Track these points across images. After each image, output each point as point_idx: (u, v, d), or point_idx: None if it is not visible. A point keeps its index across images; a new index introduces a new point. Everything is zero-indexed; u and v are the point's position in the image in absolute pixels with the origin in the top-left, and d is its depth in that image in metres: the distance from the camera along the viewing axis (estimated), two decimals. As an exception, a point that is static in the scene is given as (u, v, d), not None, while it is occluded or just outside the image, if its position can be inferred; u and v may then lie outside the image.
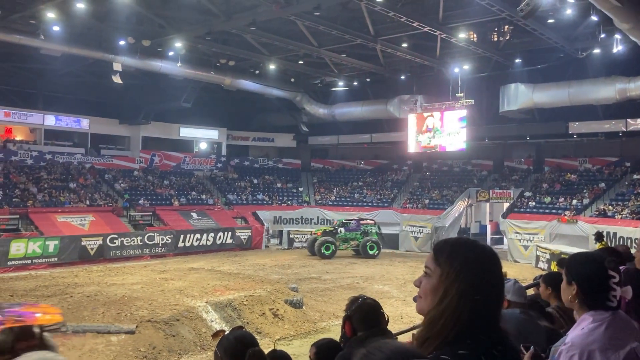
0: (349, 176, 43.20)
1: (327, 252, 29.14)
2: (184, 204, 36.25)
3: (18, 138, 36.76)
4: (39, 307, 6.98)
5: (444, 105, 33.20)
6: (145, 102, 37.18)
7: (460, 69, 31.43)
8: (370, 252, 30.75)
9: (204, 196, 38.39)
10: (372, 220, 33.72)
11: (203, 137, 43.86)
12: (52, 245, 26.46)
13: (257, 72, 35.17)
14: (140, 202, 34.56)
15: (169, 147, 41.77)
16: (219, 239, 32.89)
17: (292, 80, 37.87)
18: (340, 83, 38.20)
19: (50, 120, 36.29)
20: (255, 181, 42.44)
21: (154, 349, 12.13)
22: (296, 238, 35.42)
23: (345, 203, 39.38)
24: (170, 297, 14.88)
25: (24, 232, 27.15)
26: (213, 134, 43.89)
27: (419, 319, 1.70)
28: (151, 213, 33.38)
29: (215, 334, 2.87)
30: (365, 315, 3.17)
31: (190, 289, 16.25)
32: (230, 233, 33.67)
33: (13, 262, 24.82)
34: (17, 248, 25.29)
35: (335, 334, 3.84)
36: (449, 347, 1.52)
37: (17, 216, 28.20)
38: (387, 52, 29.35)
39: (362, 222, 32.25)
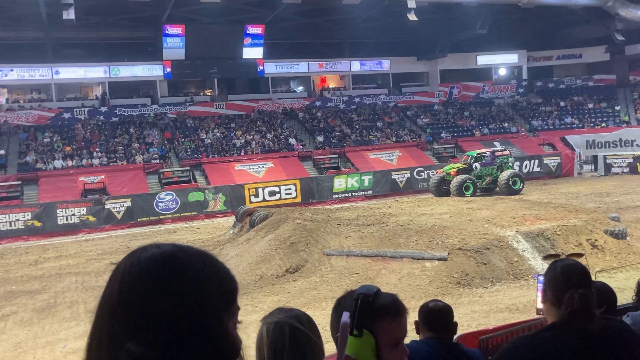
0: (681, 87, 36.60)
1: (467, 193, 24.74)
2: (485, 134, 35.80)
3: (331, 86, 41.01)
4: None
5: None
6: (440, 35, 37.25)
7: None
8: (514, 188, 25.30)
9: (506, 124, 37.25)
10: (508, 151, 28.05)
11: (501, 62, 42.19)
12: (366, 179, 29.24)
13: (558, -18, 31.88)
14: (442, 135, 35.36)
15: (466, 77, 41.40)
16: (525, 167, 31.57)
17: (602, -17, 33.17)
18: (666, -24, 31.96)
19: (355, 65, 39.58)
20: (562, 104, 39.32)
21: (466, 276, 12.48)
22: (614, 163, 31.75)
23: (677, 119, 33.61)
24: (478, 226, 14.95)
25: (343, 169, 30.58)
26: (512, 57, 41.81)
27: None
28: (453, 145, 33.89)
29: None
30: None
31: (499, 218, 16.03)
32: (537, 161, 32.05)
33: (337, 195, 28.44)
34: (339, 183, 28.78)
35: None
36: None
37: (337, 155, 31.76)
38: None
39: (497, 154, 26.77)
